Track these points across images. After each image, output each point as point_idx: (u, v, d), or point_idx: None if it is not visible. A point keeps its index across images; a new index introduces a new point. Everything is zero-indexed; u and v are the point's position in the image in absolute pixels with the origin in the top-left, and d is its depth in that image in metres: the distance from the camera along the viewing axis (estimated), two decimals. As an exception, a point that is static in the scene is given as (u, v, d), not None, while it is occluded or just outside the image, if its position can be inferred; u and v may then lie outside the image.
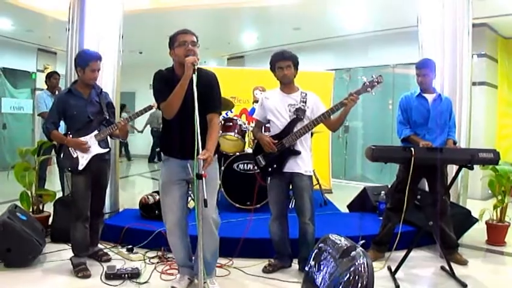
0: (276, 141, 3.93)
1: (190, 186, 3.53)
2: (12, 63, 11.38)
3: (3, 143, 11.12)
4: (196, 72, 3.12)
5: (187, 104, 3.16)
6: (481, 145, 7.19)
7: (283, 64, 3.96)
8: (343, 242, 3.02)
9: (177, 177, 3.47)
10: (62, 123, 4.18)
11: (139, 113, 4.17)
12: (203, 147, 3.08)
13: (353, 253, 2.77)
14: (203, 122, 3.23)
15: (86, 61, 4.03)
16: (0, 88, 11.03)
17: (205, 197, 2.72)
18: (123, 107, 11.29)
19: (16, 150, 5.39)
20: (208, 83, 3.39)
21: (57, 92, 6.52)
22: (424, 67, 4.48)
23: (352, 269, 2.64)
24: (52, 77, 6.61)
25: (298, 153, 3.93)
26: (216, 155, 3.55)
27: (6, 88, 11.17)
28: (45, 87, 6.69)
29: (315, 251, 3.17)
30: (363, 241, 3.34)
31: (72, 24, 5.33)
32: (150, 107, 4.14)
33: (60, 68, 11.13)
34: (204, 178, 2.79)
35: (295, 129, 3.92)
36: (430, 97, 4.49)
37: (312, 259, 3.17)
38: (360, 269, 2.61)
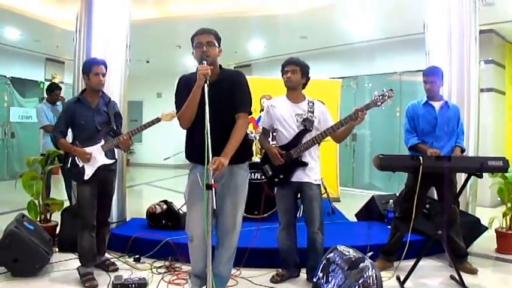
0: (284, 152, 3.92)
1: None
2: (21, 73, 11.50)
3: (12, 151, 11.20)
4: (208, 82, 2.99)
5: (209, 107, 2.98)
6: (489, 151, 7.18)
7: (289, 68, 3.98)
8: (351, 253, 3.01)
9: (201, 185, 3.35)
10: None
11: (147, 126, 4.15)
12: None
13: (361, 265, 2.76)
14: (230, 121, 3.18)
15: (89, 66, 4.07)
16: (8, 97, 11.12)
17: (214, 207, 2.69)
18: None
19: (24, 159, 5.41)
20: (234, 82, 3.31)
21: (58, 103, 6.51)
22: (432, 74, 4.46)
23: (360, 281, 2.63)
24: (54, 93, 6.55)
25: (305, 164, 3.91)
26: (247, 162, 3.48)
27: (14, 97, 11.28)
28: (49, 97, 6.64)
29: (323, 262, 3.16)
30: (371, 252, 3.31)
31: (79, 34, 5.35)
32: (158, 120, 4.12)
33: (68, 77, 11.25)
34: (214, 188, 2.73)
35: (303, 141, 3.90)
36: (437, 105, 4.47)
37: (320, 270, 3.15)
38: (368, 281, 2.60)
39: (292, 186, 3.98)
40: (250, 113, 3.39)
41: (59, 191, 5.96)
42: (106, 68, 4.16)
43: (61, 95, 6.68)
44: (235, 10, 8.25)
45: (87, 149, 4.00)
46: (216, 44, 3.30)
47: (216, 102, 2.96)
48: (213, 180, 2.81)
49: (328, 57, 10.66)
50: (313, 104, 4.01)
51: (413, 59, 7.34)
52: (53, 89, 6.63)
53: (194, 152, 3.33)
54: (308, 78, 4.07)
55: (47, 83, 11.65)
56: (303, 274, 4.15)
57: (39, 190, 5.03)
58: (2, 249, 4.00)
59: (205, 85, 2.98)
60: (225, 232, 3.42)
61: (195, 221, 3.32)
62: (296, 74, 3.98)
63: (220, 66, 3.39)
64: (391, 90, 3.78)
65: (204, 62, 3.09)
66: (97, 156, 4.04)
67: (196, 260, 3.47)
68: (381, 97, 3.78)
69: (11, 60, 11.13)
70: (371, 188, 9.82)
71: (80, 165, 4.00)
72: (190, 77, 3.26)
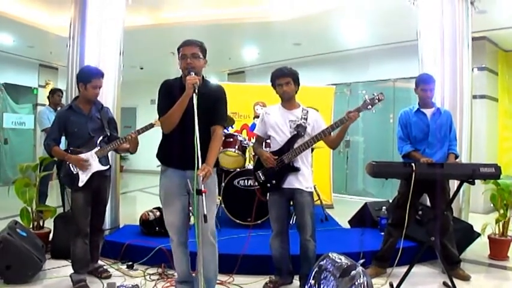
0: (276, 156, 3.92)
1: (190, 197, 3.44)
2: (14, 79, 11.47)
3: (5, 158, 11.16)
4: (196, 91, 3.08)
5: (189, 114, 3.08)
6: (482, 159, 7.19)
7: (283, 81, 3.97)
8: (343, 260, 3.01)
9: (178, 188, 3.37)
10: (63, 139, 4.18)
11: (141, 131, 4.14)
12: (204, 159, 3.07)
13: (353, 272, 2.76)
14: (207, 132, 3.24)
15: (89, 77, 4.04)
16: (2, 103, 11.09)
17: (205, 212, 2.69)
18: None
19: (17, 166, 5.39)
20: (215, 96, 3.39)
21: (59, 108, 6.55)
22: (431, 82, 4.45)
23: (352, 288, 2.63)
24: (56, 94, 6.67)
25: (297, 169, 3.91)
26: (215, 168, 3.50)
27: (7, 103, 11.26)
28: (47, 102, 6.71)
29: (315, 270, 3.16)
30: (363, 260, 3.31)
31: (73, 40, 5.34)
32: (151, 125, 4.12)
33: (62, 83, 11.24)
34: (204, 194, 2.76)
35: (295, 146, 3.90)
36: (428, 112, 4.49)
37: (312, 278, 3.15)
38: (360, 288, 2.60)
39: (285, 193, 3.97)
40: (225, 127, 3.46)
41: (53, 198, 5.94)
42: (103, 78, 4.17)
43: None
44: (229, 17, 8.26)
45: (82, 156, 4.00)
46: (201, 56, 3.34)
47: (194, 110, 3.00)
48: (202, 186, 2.84)
49: (322, 64, 10.70)
50: (307, 111, 4.02)
51: (407, 66, 7.38)
52: (54, 91, 6.78)
53: (171, 156, 3.42)
54: (299, 84, 4.07)
55: (40, 89, 11.70)
56: (296, 281, 4.14)
57: (32, 197, 5.00)
58: (-6, 256, 3.98)
59: (194, 94, 3.08)
60: (204, 233, 3.35)
61: (173, 223, 3.46)
62: (290, 85, 3.97)
63: (203, 77, 3.42)
64: (382, 93, 3.79)
65: (192, 73, 3.18)
66: (91, 162, 4.03)
67: (180, 263, 3.56)
68: (371, 100, 3.80)
69: (4, 66, 11.09)
70: (364, 194, 9.84)
71: (75, 172, 3.99)
72: (174, 83, 3.39)
